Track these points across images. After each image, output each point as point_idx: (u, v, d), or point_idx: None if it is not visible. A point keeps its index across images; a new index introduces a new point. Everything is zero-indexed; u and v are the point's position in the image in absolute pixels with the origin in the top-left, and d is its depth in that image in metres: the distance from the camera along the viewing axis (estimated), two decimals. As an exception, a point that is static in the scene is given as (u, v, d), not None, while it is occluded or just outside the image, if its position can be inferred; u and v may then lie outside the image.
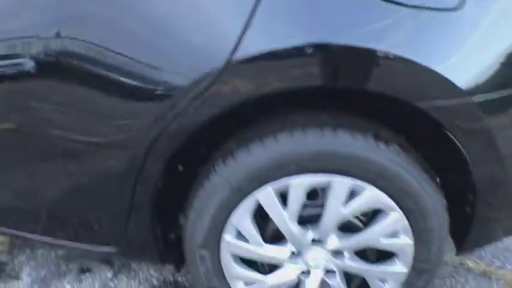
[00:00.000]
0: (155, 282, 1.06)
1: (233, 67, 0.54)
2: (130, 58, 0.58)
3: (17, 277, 1.06)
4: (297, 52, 0.54)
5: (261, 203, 0.66)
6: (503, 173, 0.64)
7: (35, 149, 0.72)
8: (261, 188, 0.64)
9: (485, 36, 0.55)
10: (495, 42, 0.56)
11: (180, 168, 0.74)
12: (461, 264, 1.10)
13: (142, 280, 1.06)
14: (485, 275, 1.05)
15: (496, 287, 1.01)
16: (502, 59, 0.56)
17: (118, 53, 0.58)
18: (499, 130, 0.60)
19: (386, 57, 0.53)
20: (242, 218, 0.68)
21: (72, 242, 0.82)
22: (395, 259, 0.71)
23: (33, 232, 0.84)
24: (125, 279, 1.07)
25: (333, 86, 0.57)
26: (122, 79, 0.59)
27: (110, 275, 1.08)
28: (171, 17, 0.57)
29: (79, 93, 0.63)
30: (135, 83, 0.59)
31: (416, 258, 0.70)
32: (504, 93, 0.58)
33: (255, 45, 0.54)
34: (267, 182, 0.64)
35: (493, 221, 0.73)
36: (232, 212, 0.67)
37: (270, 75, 0.57)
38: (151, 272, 1.10)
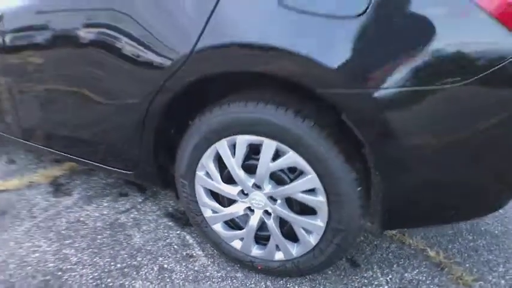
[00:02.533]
0: (170, 209, 1.46)
1: (195, 54, 0.86)
2: (140, 46, 0.96)
3: (68, 194, 1.57)
4: (225, 48, 0.83)
5: (219, 151, 0.97)
6: (402, 163, 0.81)
7: (82, 100, 1.17)
8: (219, 140, 0.95)
9: (383, 39, 0.73)
10: (391, 44, 0.73)
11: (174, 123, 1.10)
12: (423, 250, 1.23)
13: (161, 207, 1.48)
14: (438, 265, 1.16)
15: (444, 279, 1.12)
16: (397, 59, 0.73)
17: (132, 45, 0.97)
18: (394, 122, 0.77)
19: (291, 53, 0.76)
20: (208, 160, 1.00)
21: (106, 166, 1.27)
22: (316, 215, 0.94)
23: (81, 157, 1.32)
24: (149, 204, 1.50)
25: (252, 72, 0.84)
26: (135, 60, 0.97)
27: (140, 200, 1.53)
28: (159, 22, 0.93)
29: (109, 66, 1.04)
30: (141, 62, 0.96)
31: (331, 217, 0.91)
32: (399, 89, 0.75)
33: (205, 42, 0.85)
34: (223, 137, 0.94)
35: (405, 207, 0.90)
36: (202, 155, 1.00)
37: (215, 62, 0.87)
38: (171, 202, 1.51)
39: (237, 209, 1.04)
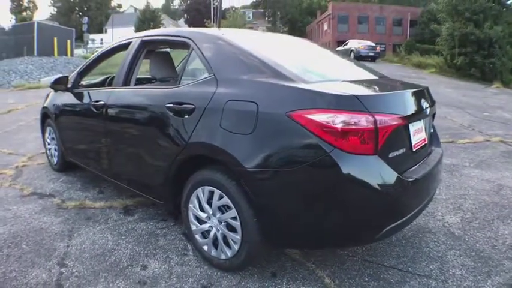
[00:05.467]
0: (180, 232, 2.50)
1: (188, 146, 1.97)
2: (170, 137, 2.11)
3: (131, 215, 2.73)
4: (198, 145, 1.97)
5: (198, 194, 2.01)
6: (266, 207, 1.74)
7: (141, 158, 2.37)
8: (198, 188, 2.00)
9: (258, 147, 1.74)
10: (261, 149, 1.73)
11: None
12: (306, 261, 2.01)
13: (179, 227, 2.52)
14: (311, 274, 1.94)
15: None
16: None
17: (168, 136, 2.14)
18: (261, 187, 1.74)
19: (223, 150, 1.83)
20: (194, 198, 2.04)
21: (152, 198, 2.40)
22: (237, 232, 1.86)
23: (140, 191, 2.49)
24: (176, 227, 2.56)
25: (208, 156, 1.94)
26: (169, 141, 2.12)
27: (172, 223, 2.61)
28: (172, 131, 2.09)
29: (157, 141, 2.21)
30: (171, 143, 2.10)
31: (242, 234, 1.83)
32: (261, 169, 1.72)
33: (191, 141, 1.97)
34: (199, 186, 1.99)
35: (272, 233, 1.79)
36: (191, 195, 2.05)
37: (195, 150, 2.00)
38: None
39: (205, 226, 2.04)
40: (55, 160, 3.54)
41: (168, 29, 2.58)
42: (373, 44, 21.00)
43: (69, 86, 3.07)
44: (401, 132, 1.82)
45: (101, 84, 3.25)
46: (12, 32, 17.91)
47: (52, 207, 2.76)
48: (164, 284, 1.91)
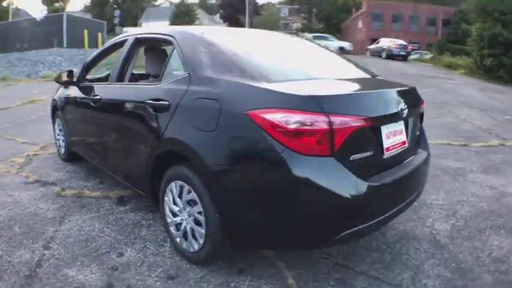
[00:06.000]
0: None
1: (161, 142, 2.07)
2: (146, 135, 2.23)
3: (124, 205, 2.88)
4: (170, 141, 2.09)
5: (171, 188, 2.10)
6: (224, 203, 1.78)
7: (122, 143, 2.55)
8: (171, 182, 2.09)
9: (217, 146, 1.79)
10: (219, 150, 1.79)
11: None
12: (277, 260, 2.04)
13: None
14: (278, 274, 1.97)
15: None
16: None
17: (146, 131, 2.25)
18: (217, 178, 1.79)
19: (193, 149, 1.91)
20: (168, 191, 2.13)
21: (138, 190, 2.53)
22: (202, 226, 1.93)
23: (129, 184, 2.63)
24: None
25: (177, 152, 2.04)
26: (148, 137, 2.24)
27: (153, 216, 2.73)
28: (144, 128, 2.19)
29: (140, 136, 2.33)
30: (149, 140, 2.23)
31: (206, 228, 1.90)
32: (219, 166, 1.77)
33: (164, 137, 2.08)
34: (172, 181, 2.08)
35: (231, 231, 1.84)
36: (166, 189, 2.15)
37: (168, 145, 2.11)
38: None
39: (177, 219, 2.13)
40: (63, 150, 3.80)
41: (159, 27, 2.68)
42: (405, 43, 20.64)
43: (74, 80, 3.28)
44: (367, 135, 1.79)
45: (105, 79, 3.44)
46: (42, 23, 18.43)
47: (51, 195, 2.98)
48: (134, 271, 2.03)
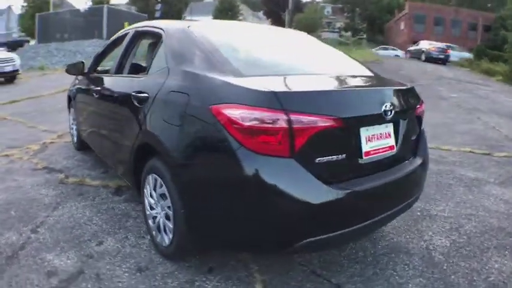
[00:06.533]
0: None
1: (139, 135, 2.10)
2: (129, 128, 2.27)
3: (119, 195, 2.97)
4: (146, 134, 2.13)
5: (149, 180, 2.13)
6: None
7: (113, 133, 2.63)
8: (148, 175, 2.12)
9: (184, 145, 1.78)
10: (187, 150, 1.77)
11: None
12: (251, 263, 1.99)
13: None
14: (248, 277, 1.91)
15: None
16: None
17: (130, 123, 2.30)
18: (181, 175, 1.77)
19: (164, 144, 1.93)
20: (146, 184, 2.16)
21: (119, 174, 2.60)
22: (171, 221, 1.93)
23: (108, 163, 2.71)
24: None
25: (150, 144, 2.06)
26: (132, 130, 2.28)
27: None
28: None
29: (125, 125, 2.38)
30: (133, 132, 2.27)
31: (174, 223, 1.90)
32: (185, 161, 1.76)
33: (142, 130, 2.11)
34: (149, 174, 2.10)
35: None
36: (145, 181, 2.18)
37: (145, 138, 2.14)
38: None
39: (153, 212, 2.15)
40: (75, 139, 4.01)
41: (154, 21, 2.73)
42: (444, 47, 20.37)
43: (85, 71, 3.44)
44: (338, 136, 1.67)
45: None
46: (85, 14, 19.34)
47: (54, 182, 3.16)
48: (108, 260, 2.08)
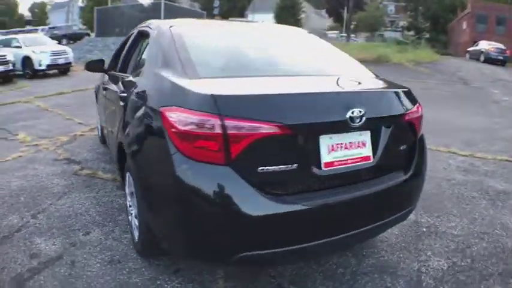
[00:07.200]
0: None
1: (118, 136, 2.20)
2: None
3: (123, 190, 3.13)
4: (127, 136, 2.23)
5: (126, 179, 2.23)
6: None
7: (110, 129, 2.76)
8: (127, 172, 2.22)
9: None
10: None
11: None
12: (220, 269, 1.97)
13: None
14: (212, 283, 1.90)
15: None
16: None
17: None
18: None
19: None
20: (126, 182, 2.27)
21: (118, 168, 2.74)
22: (137, 219, 2.01)
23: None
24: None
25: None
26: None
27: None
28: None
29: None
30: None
31: (139, 222, 1.97)
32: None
33: (124, 132, 2.19)
34: (127, 172, 2.20)
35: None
36: (125, 178, 2.28)
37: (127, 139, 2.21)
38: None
39: (130, 209, 2.25)
40: (99, 133, 4.32)
41: (151, 20, 2.80)
42: (504, 47, 18.61)
43: (105, 68, 3.69)
44: (288, 144, 1.56)
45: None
46: (145, 9, 19.85)
47: (69, 172, 3.44)
48: (87, 250, 2.22)
